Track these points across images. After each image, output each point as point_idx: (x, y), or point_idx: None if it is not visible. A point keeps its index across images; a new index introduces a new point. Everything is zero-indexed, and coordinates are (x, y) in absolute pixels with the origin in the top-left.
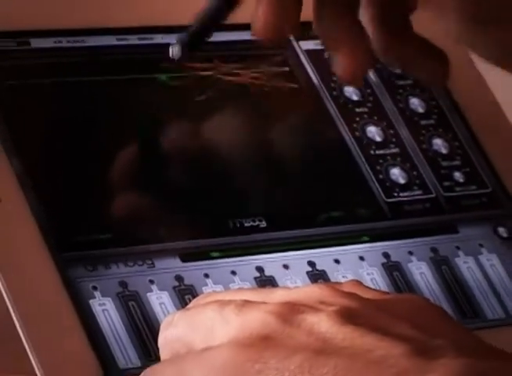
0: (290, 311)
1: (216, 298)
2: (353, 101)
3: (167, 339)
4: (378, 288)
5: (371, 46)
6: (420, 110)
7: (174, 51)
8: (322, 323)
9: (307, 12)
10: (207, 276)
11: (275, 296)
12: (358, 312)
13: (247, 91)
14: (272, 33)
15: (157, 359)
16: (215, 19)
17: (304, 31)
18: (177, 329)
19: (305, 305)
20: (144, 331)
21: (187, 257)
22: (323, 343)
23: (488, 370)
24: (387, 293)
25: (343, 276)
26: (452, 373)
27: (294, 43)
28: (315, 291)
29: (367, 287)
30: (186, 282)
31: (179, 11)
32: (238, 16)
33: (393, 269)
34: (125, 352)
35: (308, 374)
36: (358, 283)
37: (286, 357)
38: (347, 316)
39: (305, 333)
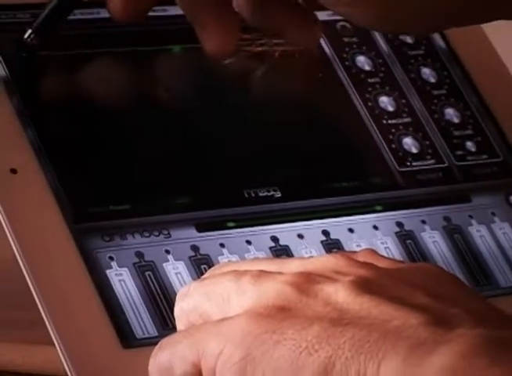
0: (306, 281)
1: (232, 268)
2: (365, 71)
3: (183, 310)
4: (392, 257)
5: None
6: (432, 80)
7: (30, 38)
8: (339, 293)
9: None
10: (222, 245)
11: (291, 266)
12: (373, 281)
13: (260, 61)
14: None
15: (174, 328)
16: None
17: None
18: (193, 299)
19: (321, 275)
20: (160, 301)
21: (202, 227)
22: (340, 313)
23: (505, 340)
24: (402, 262)
25: (357, 246)
26: (470, 343)
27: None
28: (330, 261)
29: (381, 256)
30: (202, 252)
31: None
32: None
33: (406, 238)
34: (142, 322)
35: (325, 344)
36: (373, 251)
37: (304, 328)
38: (364, 286)
39: (322, 303)
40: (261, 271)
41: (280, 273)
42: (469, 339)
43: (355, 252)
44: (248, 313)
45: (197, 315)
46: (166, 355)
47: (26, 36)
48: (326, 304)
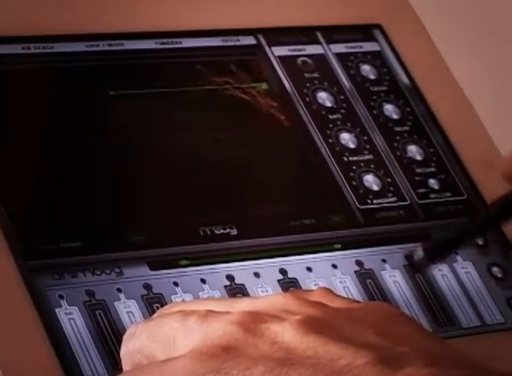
0: (253, 320)
1: (180, 307)
2: (326, 107)
3: (129, 351)
4: (351, 296)
5: None
6: (395, 117)
7: (416, 256)
8: (286, 333)
9: (280, 18)
10: (176, 284)
11: (240, 305)
12: (322, 320)
13: (218, 98)
14: None
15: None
16: (464, 237)
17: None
18: (139, 340)
19: (269, 315)
20: (111, 341)
21: (156, 265)
22: (286, 353)
23: None
24: (357, 301)
25: (315, 284)
26: None
27: (267, 49)
28: (279, 300)
29: (336, 295)
30: (155, 290)
31: (144, 17)
32: (208, 21)
33: (366, 277)
34: (91, 362)
35: None
36: (328, 290)
37: (248, 367)
38: (311, 325)
39: (268, 342)
40: (209, 311)
41: (228, 313)
42: None
43: (310, 291)
44: (192, 353)
45: (143, 356)
46: None
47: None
48: (272, 343)
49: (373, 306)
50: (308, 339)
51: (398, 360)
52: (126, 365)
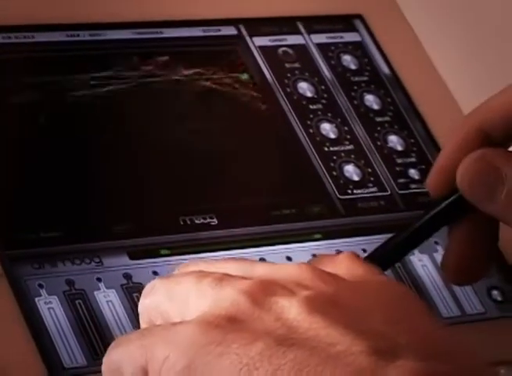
0: (264, 291)
1: (199, 267)
2: (307, 97)
3: (145, 306)
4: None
5: None
6: (375, 107)
7: None
8: (292, 309)
9: (261, 8)
10: (156, 273)
11: (258, 270)
12: (330, 299)
13: (198, 88)
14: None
15: (103, 357)
16: (396, 253)
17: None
18: (155, 297)
19: (280, 286)
20: (91, 330)
21: (135, 254)
22: (288, 331)
23: (444, 374)
24: (379, 274)
25: None
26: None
27: (248, 39)
28: (295, 271)
29: (360, 263)
30: (135, 280)
31: (125, 6)
32: (189, 11)
33: None
34: (71, 352)
35: (266, 362)
36: (351, 257)
37: (249, 342)
38: (318, 304)
39: (273, 317)
40: (224, 275)
41: (243, 278)
42: (405, 372)
43: (335, 256)
44: (198, 321)
45: (158, 313)
46: (117, 354)
47: None
48: (276, 319)
49: (389, 286)
50: (312, 319)
51: (394, 352)
52: (142, 320)
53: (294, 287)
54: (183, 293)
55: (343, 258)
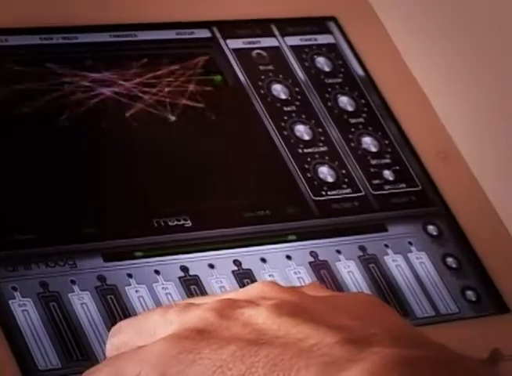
0: (229, 306)
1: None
2: (281, 99)
3: (113, 345)
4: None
5: None
6: (349, 109)
7: None
8: (259, 316)
9: (235, 11)
10: (130, 275)
11: (221, 297)
12: (296, 305)
13: (172, 91)
14: None
15: (78, 360)
16: None
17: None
18: (123, 335)
19: (245, 301)
20: (65, 332)
21: (109, 257)
22: (258, 334)
23: (418, 358)
24: (340, 292)
25: (269, 275)
26: (382, 361)
27: (221, 41)
28: (258, 287)
29: (325, 288)
30: (109, 282)
31: (99, 9)
32: (163, 14)
33: (320, 268)
34: (45, 354)
35: (239, 362)
36: (318, 285)
37: (220, 347)
38: (285, 309)
39: (241, 325)
40: (189, 303)
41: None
42: (381, 357)
43: (301, 286)
44: (167, 337)
45: (127, 349)
46: None
47: None
48: (245, 325)
49: (352, 294)
50: (281, 320)
51: (367, 341)
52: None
53: (259, 300)
54: (151, 326)
55: (311, 286)
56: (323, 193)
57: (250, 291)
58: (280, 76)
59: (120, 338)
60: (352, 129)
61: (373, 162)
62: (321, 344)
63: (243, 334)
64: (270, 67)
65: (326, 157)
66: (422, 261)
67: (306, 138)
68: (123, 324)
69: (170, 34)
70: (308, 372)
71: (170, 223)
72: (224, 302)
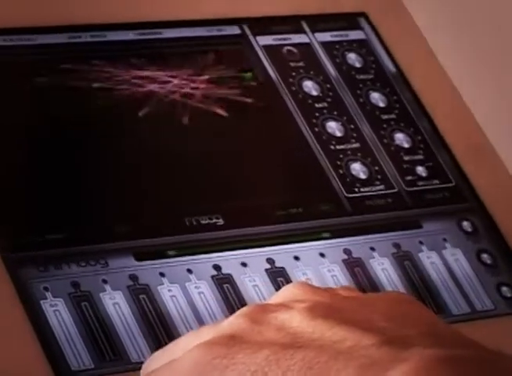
0: (261, 311)
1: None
2: (312, 96)
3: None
4: (339, 285)
5: None
6: (381, 105)
7: None
8: (294, 319)
9: (265, 8)
10: (162, 275)
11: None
12: (329, 306)
13: (206, 88)
14: None
15: (111, 360)
16: None
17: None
18: (157, 362)
19: (277, 304)
20: (97, 332)
21: (141, 256)
22: (293, 337)
23: (459, 358)
24: (371, 293)
25: (303, 274)
26: (423, 361)
27: (251, 38)
28: (288, 290)
29: (357, 290)
30: (141, 281)
31: (126, 7)
32: (192, 11)
33: (354, 266)
34: (77, 354)
35: (275, 366)
36: (350, 287)
37: (254, 352)
38: (319, 311)
39: (275, 329)
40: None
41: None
42: (422, 358)
43: (333, 289)
44: (200, 345)
45: None
46: None
47: None
48: (279, 330)
49: (384, 294)
50: (315, 323)
51: (404, 342)
52: None
53: (291, 303)
54: (184, 345)
55: (340, 288)
56: (356, 189)
57: (281, 294)
58: (311, 72)
59: (153, 365)
60: (384, 125)
61: (406, 158)
62: (357, 346)
63: (276, 338)
64: (301, 64)
65: (359, 154)
66: (457, 257)
67: (338, 134)
68: (155, 354)
69: (199, 32)
70: (347, 374)
71: (202, 222)
72: (255, 308)
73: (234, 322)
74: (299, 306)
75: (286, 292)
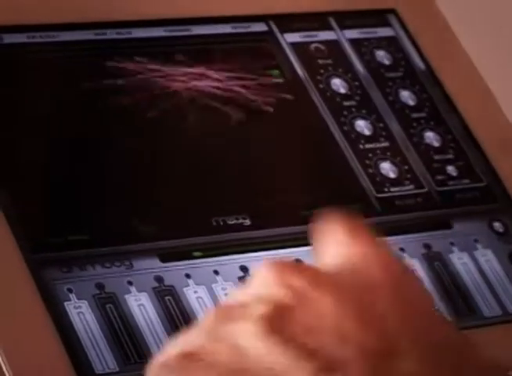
0: (222, 319)
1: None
2: (340, 94)
3: None
4: None
5: None
6: (411, 103)
7: None
8: (245, 335)
9: (292, 4)
10: (188, 276)
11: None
12: (289, 312)
13: (233, 84)
14: None
15: (136, 363)
16: None
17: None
18: None
19: (239, 308)
20: (122, 334)
21: (167, 257)
22: (240, 359)
23: None
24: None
25: None
26: None
27: (278, 35)
28: (260, 279)
29: None
30: (166, 283)
31: (153, 4)
32: (218, 8)
33: None
34: (102, 357)
35: None
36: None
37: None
38: (274, 322)
39: (227, 348)
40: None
41: None
42: None
43: None
44: (157, 363)
45: None
46: None
47: None
48: (231, 348)
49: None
50: (261, 344)
51: (336, 368)
52: None
53: (253, 304)
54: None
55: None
56: (386, 189)
57: (254, 284)
58: (339, 70)
59: None
60: (414, 124)
61: (436, 157)
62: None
63: (226, 359)
64: (329, 61)
65: (388, 153)
66: (488, 258)
67: (367, 133)
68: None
69: (225, 28)
70: None
71: (229, 222)
72: (218, 315)
73: (193, 337)
74: (255, 314)
75: (257, 281)
